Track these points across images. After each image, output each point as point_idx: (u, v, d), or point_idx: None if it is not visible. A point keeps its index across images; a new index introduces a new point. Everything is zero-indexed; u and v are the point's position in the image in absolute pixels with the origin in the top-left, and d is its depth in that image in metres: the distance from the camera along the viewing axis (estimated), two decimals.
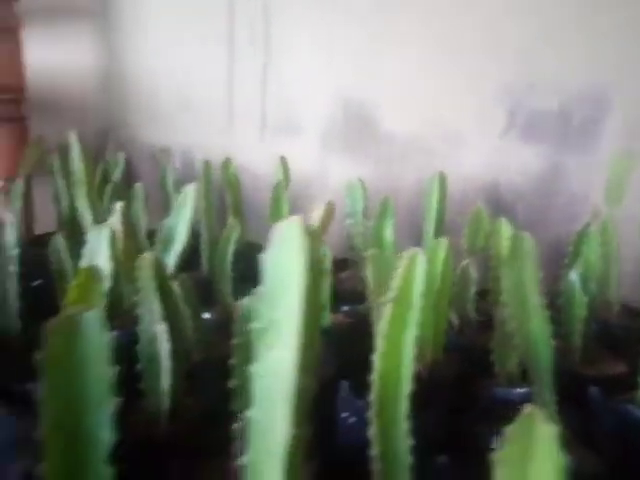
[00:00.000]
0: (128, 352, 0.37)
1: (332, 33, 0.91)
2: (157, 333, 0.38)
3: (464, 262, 0.58)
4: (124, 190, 0.79)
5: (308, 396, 0.23)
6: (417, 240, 0.68)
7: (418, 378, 0.34)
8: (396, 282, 0.33)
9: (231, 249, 0.61)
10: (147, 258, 0.37)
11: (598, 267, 0.56)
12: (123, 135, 1.13)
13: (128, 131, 1.13)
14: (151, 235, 0.66)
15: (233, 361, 0.32)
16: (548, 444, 0.23)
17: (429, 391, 0.37)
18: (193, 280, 0.52)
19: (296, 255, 0.23)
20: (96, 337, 0.24)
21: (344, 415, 0.44)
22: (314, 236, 0.24)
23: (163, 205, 0.88)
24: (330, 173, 0.95)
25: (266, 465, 0.23)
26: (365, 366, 0.34)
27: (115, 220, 0.52)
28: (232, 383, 0.32)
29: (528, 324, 0.40)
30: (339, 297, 0.60)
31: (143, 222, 0.73)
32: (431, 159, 0.85)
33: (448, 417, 0.45)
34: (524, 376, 0.47)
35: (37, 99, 1.02)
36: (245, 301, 0.33)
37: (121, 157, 0.91)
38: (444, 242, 0.49)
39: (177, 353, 0.38)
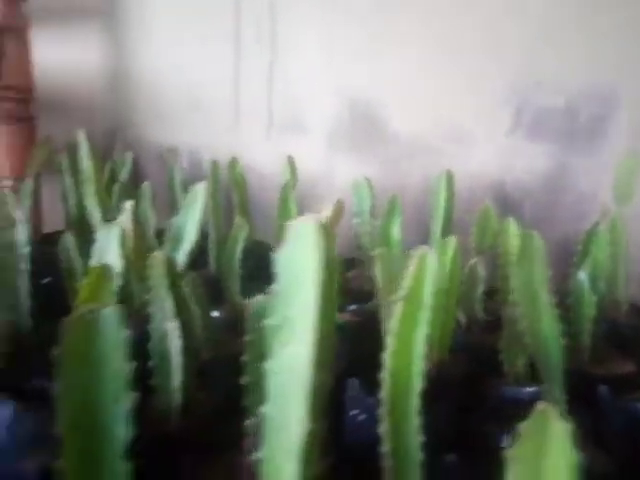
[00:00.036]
0: (139, 350, 0.38)
1: (339, 31, 0.91)
2: (168, 330, 0.38)
3: (472, 261, 0.58)
4: (132, 189, 0.80)
5: (323, 392, 0.24)
6: (423, 238, 0.68)
7: (428, 376, 0.34)
8: (407, 281, 0.33)
9: (239, 248, 0.61)
10: (159, 256, 0.38)
11: (607, 266, 0.56)
12: (130, 135, 1.13)
13: (135, 131, 1.13)
14: (159, 234, 0.66)
15: (245, 358, 0.33)
16: (562, 441, 0.23)
17: (438, 389, 0.37)
18: (202, 279, 0.52)
19: (311, 252, 0.23)
20: (114, 334, 0.24)
21: (353, 413, 0.44)
22: (328, 233, 0.24)
23: (170, 204, 0.88)
24: (336, 172, 0.95)
25: (282, 461, 0.23)
26: (374, 364, 0.35)
27: (125, 219, 0.52)
28: (244, 380, 0.33)
29: (538, 323, 0.40)
30: (346, 296, 0.60)
31: (151, 221, 0.74)
32: (438, 158, 0.85)
33: (457, 416, 0.45)
34: (532, 375, 0.47)
35: (44, 99, 1.02)
36: (257, 299, 0.34)
37: (129, 156, 0.91)
38: (453, 241, 0.49)
39: (188, 350, 0.38)
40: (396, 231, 0.66)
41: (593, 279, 0.53)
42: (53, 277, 0.62)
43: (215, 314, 0.57)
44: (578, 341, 0.53)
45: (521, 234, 0.43)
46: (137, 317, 0.44)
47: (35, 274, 0.53)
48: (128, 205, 0.53)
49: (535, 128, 0.77)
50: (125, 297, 0.49)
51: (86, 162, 0.65)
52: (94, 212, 0.65)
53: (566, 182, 0.74)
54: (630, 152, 0.61)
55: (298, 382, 0.23)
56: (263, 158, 0.99)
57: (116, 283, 0.43)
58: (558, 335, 0.41)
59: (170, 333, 0.38)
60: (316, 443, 0.24)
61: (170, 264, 0.38)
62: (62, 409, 0.24)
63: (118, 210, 0.62)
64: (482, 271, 0.57)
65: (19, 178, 0.87)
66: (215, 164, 0.77)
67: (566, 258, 0.61)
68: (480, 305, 0.59)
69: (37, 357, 0.43)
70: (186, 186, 0.86)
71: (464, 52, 0.80)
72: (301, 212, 0.71)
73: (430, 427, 0.33)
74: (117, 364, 0.24)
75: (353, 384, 0.45)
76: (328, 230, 0.24)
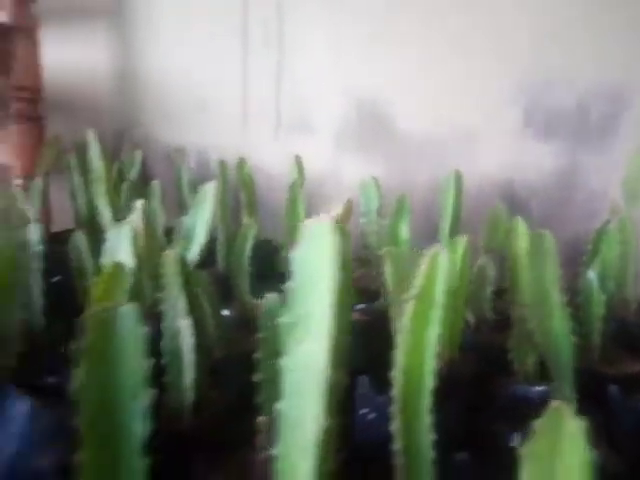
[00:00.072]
0: (151, 348, 0.38)
1: (346, 31, 0.91)
2: (181, 328, 0.39)
3: (481, 260, 0.58)
4: (140, 188, 0.80)
5: (338, 389, 0.24)
6: (431, 237, 0.68)
7: (439, 375, 0.34)
8: (419, 279, 0.33)
9: (249, 246, 0.61)
10: (171, 255, 0.38)
11: (616, 265, 0.55)
12: (137, 134, 1.14)
13: (142, 130, 1.14)
14: (168, 233, 0.67)
15: (258, 355, 0.33)
16: (576, 439, 0.23)
17: (449, 388, 0.37)
18: (211, 277, 0.52)
19: (327, 251, 0.23)
20: (132, 331, 0.24)
21: (363, 411, 0.44)
22: (343, 233, 0.24)
23: (178, 204, 0.89)
24: (344, 171, 0.95)
25: (297, 458, 0.24)
26: (383, 363, 0.35)
27: (136, 217, 0.52)
28: (257, 377, 0.33)
29: (549, 321, 0.40)
30: (353, 295, 0.60)
31: (160, 220, 0.74)
32: (445, 157, 0.85)
33: (467, 414, 0.45)
34: (541, 374, 0.47)
35: (52, 99, 1.03)
36: (269, 297, 0.34)
37: (138, 156, 0.92)
38: (463, 240, 0.49)
39: (200, 348, 0.39)
40: (404, 230, 0.66)
41: (602, 278, 0.53)
42: (63, 276, 0.62)
43: (225, 312, 0.58)
44: (587, 340, 0.53)
45: (532, 233, 0.43)
46: (149, 315, 0.44)
47: (45, 272, 0.53)
48: (139, 204, 0.53)
49: (545, 127, 0.76)
50: (136, 295, 0.49)
51: (96, 162, 0.66)
52: (104, 211, 0.66)
53: (576, 180, 0.74)
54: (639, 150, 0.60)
55: (314, 379, 0.23)
56: (270, 158, 0.99)
57: (128, 281, 0.43)
58: (569, 333, 0.41)
59: (183, 331, 0.38)
60: (331, 440, 0.24)
61: (183, 262, 0.38)
62: (80, 405, 0.25)
63: (127, 209, 0.62)
64: (491, 271, 0.57)
65: (29, 177, 0.88)
66: (223, 164, 0.78)
67: (576, 257, 0.61)
68: (489, 304, 0.59)
69: (50, 355, 0.43)
70: (194, 186, 0.87)
71: (472, 51, 0.80)
72: (309, 212, 0.71)
73: (441, 425, 0.33)
74: (135, 361, 0.25)
75: (362, 382, 0.45)
76: (343, 230, 0.24)
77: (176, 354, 0.39)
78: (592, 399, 0.43)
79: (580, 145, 0.74)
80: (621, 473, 0.41)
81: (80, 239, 0.59)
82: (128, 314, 0.25)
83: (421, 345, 0.33)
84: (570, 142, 0.74)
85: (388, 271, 0.46)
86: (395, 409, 0.33)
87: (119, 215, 0.67)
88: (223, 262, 0.75)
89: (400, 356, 0.33)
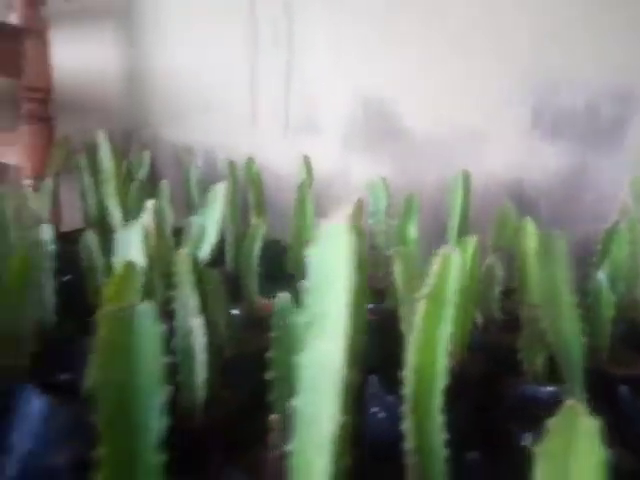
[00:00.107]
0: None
1: (353, 31, 0.91)
2: (193, 327, 0.39)
3: (489, 260, 0.58)
4: (149, 188, 0.81)
5: (353, 387, 0.24)
6: (438, 237, 0.68)
7: (451, 374, 0.34)
8: (431, 279, 0.33)
9: (257, 246, 0.62)
10: (184, 254, 0.38)
11: (626, 266, 0.55)
12: (146, 135, 1.15)
13: (151, 131, 1.15)
14: (177, 233, 0.67)
15: (271, 354, 0.33)
16: (590, 438, 0.23)
17: (460, 387, 0.37)
18: (221, 277, 0.53)
19: (343, 251, 0.23)
20: (149, 328, 0.25)
21: (373, 410, 0.44)
22: (359, 233, 0.25)
23: (186, 203, 0.89)
24: (352, 171, 0.96)
25: (312, 454, 0.24)
26: (392, 362, 0.35)
27: (146, 217, 0.53)
28: (270, 375, 0.33)
29: (560, 322, 0.40)
30: None
31: (169, 219, 0.74)
32: (453, 156, 0.85)
33: (477, 414, 0.45)
34: (550, 375, 0.47)
35: (61, 100, 1.04)
36: (281, 296, 0.34)
37: (146, 156, 0.92)
38: (473, 240, 0.49)
39: (212, 347, 0.39)
40: (413, 230, 0.66)
41: (612, 279, 0.53)
42: (73, 275, 0.63)
43: (234, 312, 0.58)
44: (597, 341, 0.53)
45: (543, 234, 0.43)
46: (161, 314, 0.45)
47: (57, 272, 0.54)
48: (149, 204, 0.54)
49: (552, 127, 0.76)
50: (148, 294, 0.49)
51: (107, 162, 0.66)
52: (114, 211, 0.66)
53: (585, 180, 0.74)
54: None
55: (330, 377, 0.23)
56: (279, 158, 1.00)
57: (140, 280, 0.43)
58: (579, 334, 0.41)
59: (195, 330, 0.38)
60: (347, 437, 0.24)
61: (195, 261, 0.39)
62: (98, 402, 0.25)
63: (136, 209, 0.63)
64: (499, 270, 0.57)
65: (39, 178, 0.89)
66: (232, 164, 0.78)
67: (586, 257, 0.61)
68: (497, 304, 0.59)
69: (63, 353, 0.44)
70: (202, 186, 0.87)
71: (479, 51, 0.80)
72: (317, 212, 0.72)
73: (452, 425, 0.33)
74: (153, 359, 0.25)
75: (373, 381, 0.45)
76: (359, 230, 0.25)
77: (188, 353, 0.39)
78: (602, 400, 0.43)
79: (588, 146, 0.74)
80: (636, 472, 0.41)
81: (91, 238, 0.59)
82: (146, 312, 0.25)
83: (433, 344, 0.33)
84: (578, 143, 0.74)
85: (397, 271, 0.46)
86: (407, 408, 0.33)
87: (128, 215, 0.68)
88: (232, 262, 0.75)
89: (412, 355, 0.33)
